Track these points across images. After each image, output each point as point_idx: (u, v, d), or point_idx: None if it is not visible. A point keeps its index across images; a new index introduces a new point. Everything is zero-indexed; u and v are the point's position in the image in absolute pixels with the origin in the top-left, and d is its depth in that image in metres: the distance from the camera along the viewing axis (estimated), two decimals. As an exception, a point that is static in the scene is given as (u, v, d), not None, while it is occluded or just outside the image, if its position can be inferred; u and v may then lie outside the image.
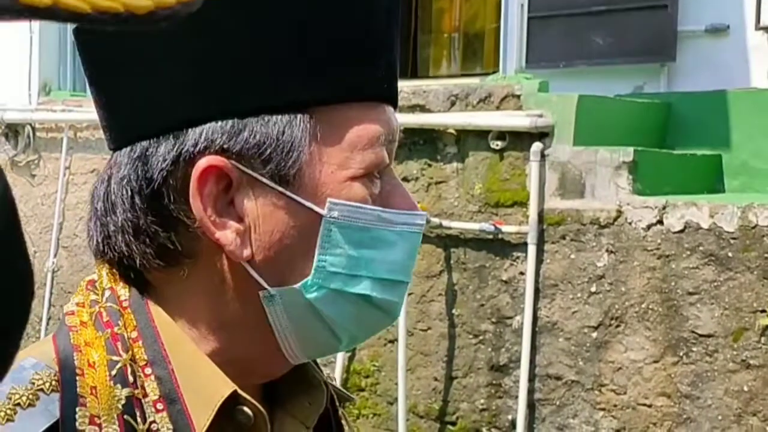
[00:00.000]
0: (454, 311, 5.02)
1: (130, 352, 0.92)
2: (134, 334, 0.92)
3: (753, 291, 4.20)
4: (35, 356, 0.92)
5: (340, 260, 0.91)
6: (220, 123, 0.89)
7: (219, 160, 0.89)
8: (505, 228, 4.86)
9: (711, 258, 4.31)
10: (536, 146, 4.82)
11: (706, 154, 5.32)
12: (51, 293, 6.47)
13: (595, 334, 4.60)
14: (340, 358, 5.18)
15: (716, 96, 5.52)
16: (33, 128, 6.66)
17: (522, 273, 4.81)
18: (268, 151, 0.90)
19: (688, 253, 4.37)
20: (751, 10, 5.95)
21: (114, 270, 0.95)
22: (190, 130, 0.90)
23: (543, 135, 4.85)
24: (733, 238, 4.27)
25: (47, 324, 6.40)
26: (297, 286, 0.92)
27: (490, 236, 4.90)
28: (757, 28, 5.93)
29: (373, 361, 5.23)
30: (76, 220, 6.37)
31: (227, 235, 0.91)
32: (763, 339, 4.18)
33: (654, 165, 4.82)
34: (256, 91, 0.90)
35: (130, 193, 0.92)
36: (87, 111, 6.37)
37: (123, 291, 0.95)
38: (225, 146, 0.89)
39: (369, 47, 0.93)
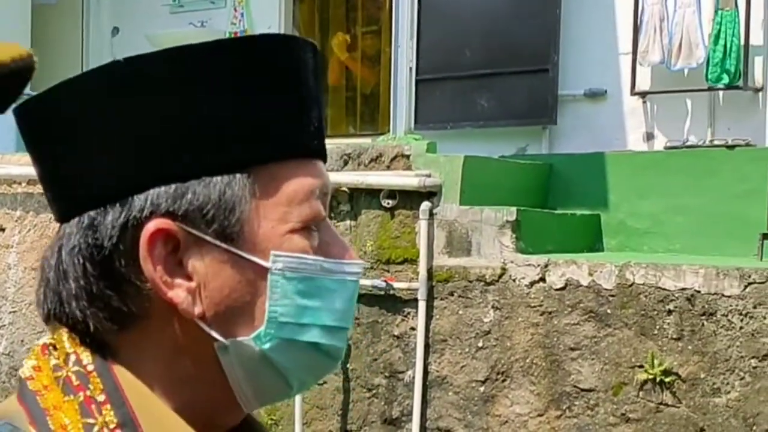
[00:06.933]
0: (348, 365, 5.15)
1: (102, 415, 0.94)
2: (102, 398, 0.94)
3: (631, 347, 4.40)
4: (7, 419, 0.94)
5: (288, 310, 0.96)
6: (164, 187, 0.94)
7: (165, 222, 0.94)
8: (396, 284, 5.01)
9: (591, 314, 4.50)
10: (425, 205, 4.98)
11: (586, 213, 5.57)
12: None
13: (482, 388, 4.75)
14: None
15: (595, 158, 5.78)
16: None
17: (413, 328, 4.95)
18: (212, 211, 0.94)
19: (569, 309, 4.55)
20: (627, 76, 6.26)
21: (73, 334, 0.97)
22: (135, 196, 0.94)
23: (431, 194, 5.02)
24: (612, 296, 4.46)
25: None
26: (250, 337, 0.95)
27: (382, 292, 5.04)
28: (633, 93, 6.24)
29: (270, 415, 5.31)
30: None
31: (179, 293, 0.95)
32: (641, 393, 4.38)
33: (536, 224, 5.02)
34: (197, 155, 0.94)
35: (81, 261, 0.95)
36: None
37: (85, 355, 0.97)
38: (170, 209, 0.94)
39: (300, 106, 0.99)
